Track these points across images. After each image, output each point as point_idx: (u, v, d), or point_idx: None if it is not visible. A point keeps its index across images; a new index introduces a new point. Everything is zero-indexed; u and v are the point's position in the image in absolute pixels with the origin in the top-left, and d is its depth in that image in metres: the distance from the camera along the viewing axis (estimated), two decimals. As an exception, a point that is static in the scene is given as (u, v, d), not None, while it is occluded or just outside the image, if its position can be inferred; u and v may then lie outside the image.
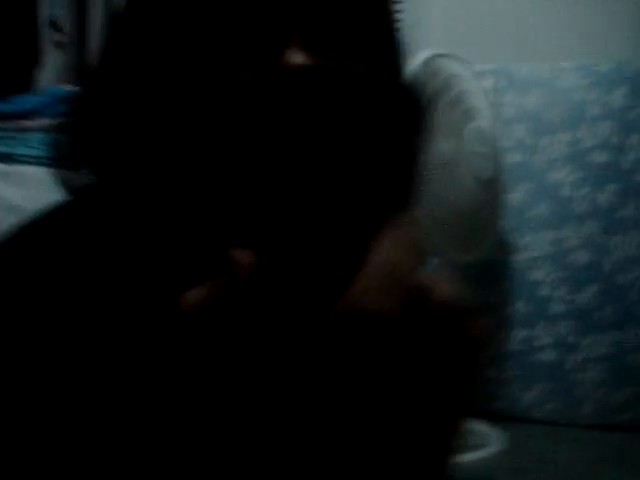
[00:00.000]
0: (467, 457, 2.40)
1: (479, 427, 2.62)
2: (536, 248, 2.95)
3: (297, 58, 0.45)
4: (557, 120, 2.94)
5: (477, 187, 2.47)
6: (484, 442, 2.52)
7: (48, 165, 1.57)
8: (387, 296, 0.30)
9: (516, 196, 2.90)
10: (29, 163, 1.74)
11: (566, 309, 2.89)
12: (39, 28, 2.99)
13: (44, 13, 3.00)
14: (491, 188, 2.53)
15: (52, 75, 3.04)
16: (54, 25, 3.05)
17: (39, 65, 2.95)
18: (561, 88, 2.95)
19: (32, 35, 2.94)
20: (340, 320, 0.30)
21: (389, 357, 0.31)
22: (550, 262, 2.93)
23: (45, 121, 1.86)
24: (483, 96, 2.68)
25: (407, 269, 0.31)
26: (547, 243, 2.93)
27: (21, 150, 1.78)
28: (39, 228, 0.53)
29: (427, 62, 2.28)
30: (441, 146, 2.28)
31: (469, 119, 2.50)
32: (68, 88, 2.07)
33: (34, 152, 1.75)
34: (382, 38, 0.51)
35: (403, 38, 0.53)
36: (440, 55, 2.39)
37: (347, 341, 0.30)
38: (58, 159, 0.56)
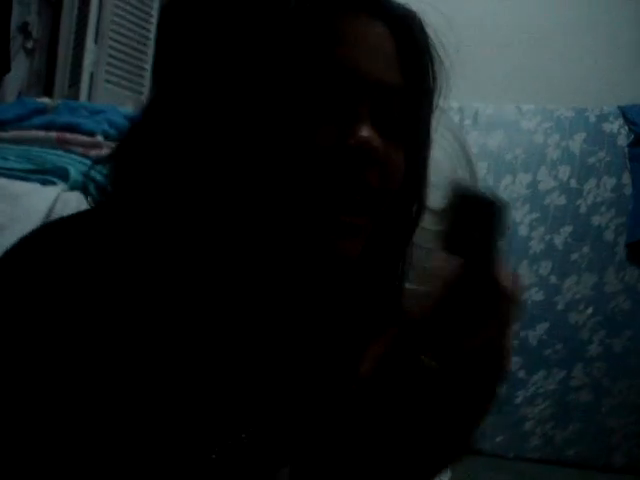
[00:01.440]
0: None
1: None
2: (492, 284, 2.99)
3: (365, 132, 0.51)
4: (518, 161, 3.02)
5: (427, 218, 2.48)
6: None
7: (22, 179, 1.53)
8: None
9: (474, 232, 2.94)
10: (2, 175, 1.68)
11: (518, 345, 2.95)
12: (10, 34, 2.94)
13: (16, 18, 2.96)
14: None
15: (19, 82, 3.00)
16: (25, 31, 3.01)
17: (7, 71, 2.90)
18: (524, 130, 3.03)
19: (3, 40, 2.88)
20: None
21: None
22: (505, 299, 2.97)
23: (21, 133, 1.82)
24: (445, 129, 2.71)
25: None
26: (503, 280, 2.98)
27: (-6, 161, 1.72)
28: (56, 234, 0.52)
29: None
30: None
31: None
32: (44, 100, 2.04)
33: (7, 164, 1.69)
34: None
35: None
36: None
37: None
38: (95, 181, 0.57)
